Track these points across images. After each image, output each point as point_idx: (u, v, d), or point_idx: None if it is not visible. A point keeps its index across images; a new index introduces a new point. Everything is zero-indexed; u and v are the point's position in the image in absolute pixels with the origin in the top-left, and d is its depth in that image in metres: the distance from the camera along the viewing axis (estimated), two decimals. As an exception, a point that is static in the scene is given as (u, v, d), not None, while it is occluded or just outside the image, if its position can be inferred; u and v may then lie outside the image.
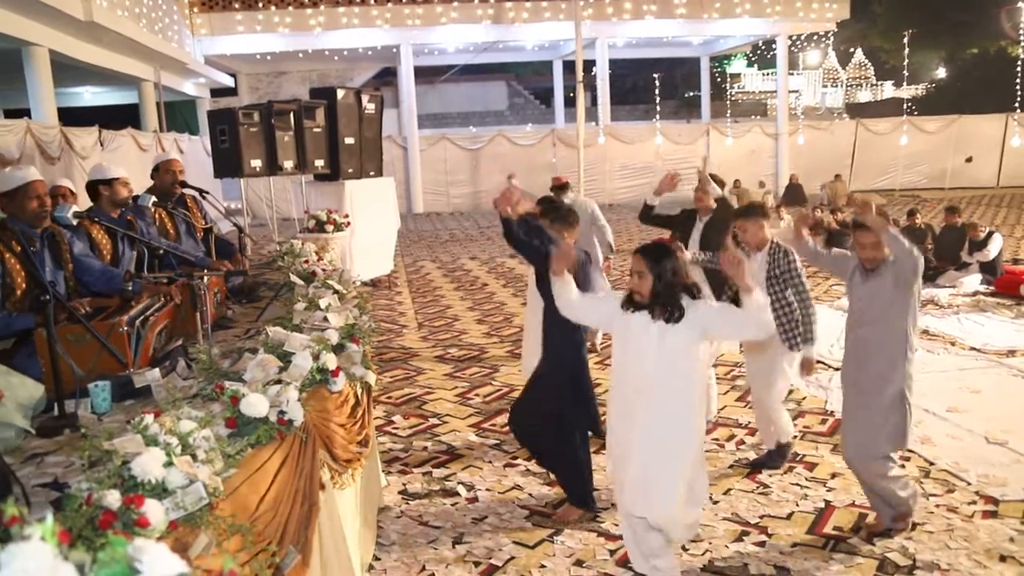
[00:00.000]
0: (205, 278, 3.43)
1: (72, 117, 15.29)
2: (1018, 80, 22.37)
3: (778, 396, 4.64)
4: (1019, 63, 22.88)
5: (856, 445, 3.79)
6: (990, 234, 9.79)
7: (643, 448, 3.18)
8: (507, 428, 5.42)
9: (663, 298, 3.13)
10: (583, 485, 4.15)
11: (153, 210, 4.91)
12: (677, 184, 5.53)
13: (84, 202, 4.79)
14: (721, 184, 5.79)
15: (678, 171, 5.76)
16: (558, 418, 4.09)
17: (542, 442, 4.24)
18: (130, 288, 3.52)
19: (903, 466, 4.08)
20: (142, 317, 3.15)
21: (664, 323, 3.13)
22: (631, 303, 3.24)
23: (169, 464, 1.84)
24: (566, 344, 4.11)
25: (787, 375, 4.60)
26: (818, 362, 6.89)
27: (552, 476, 4.44)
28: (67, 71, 13.98)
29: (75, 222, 3.64)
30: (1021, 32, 22.75)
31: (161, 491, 1.78)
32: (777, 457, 4.65)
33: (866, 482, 3.86)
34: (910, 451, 4.79)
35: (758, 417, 4.86)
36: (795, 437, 4.97)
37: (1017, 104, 22.72)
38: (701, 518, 3.40)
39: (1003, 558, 3.58)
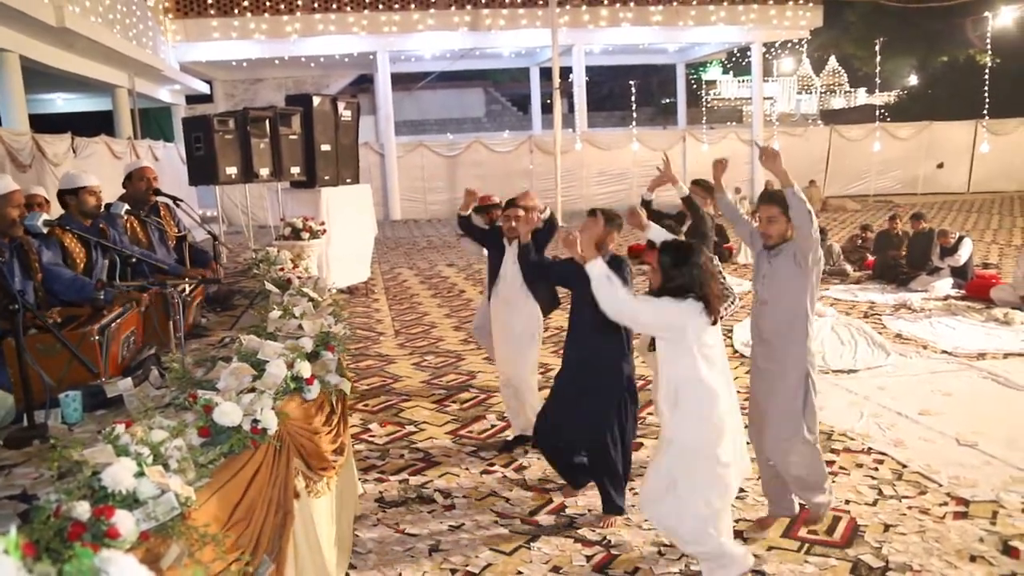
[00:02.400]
0: (186, 287, 3.41)
1: (44, 124, 15.12)
2: (986, 88, 22.76)
3: None
4: (987, 71, 23.28)
5: (773, 439, 3.78)
6: (960, 239, 9.94)
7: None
8: (484, 435, 5.43)
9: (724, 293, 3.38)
10: (623, 491, 4.16)
11: (125, 218, 4.86)
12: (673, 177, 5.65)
13: (58, 210, 4.73)
14: (709, 189, 5.82)
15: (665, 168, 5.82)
16: (612, 430, 4.06)
17: (589, 450, 4.19)
18: (102, 297, 3.48)
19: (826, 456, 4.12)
20: (108, 326, 3.11)
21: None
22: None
23: (140, 474, 1.82)
24: (612, 347, 4.04)
25: None
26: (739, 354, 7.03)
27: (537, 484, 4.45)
28: (39, 77, 13.82)
29: (45, 230, 3.60)
30: (987, 41, 23.15)
31: (132, 502, 1.77)
32: None
33: (784, 473, 3.83)
34: (883, 454, 4.86)
35: None
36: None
37: (986, 111, 23.11)
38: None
39: (973, 558, 3.63)
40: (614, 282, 3.24)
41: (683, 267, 3.20)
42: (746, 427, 3.85)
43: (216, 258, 5.37)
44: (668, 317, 3.19)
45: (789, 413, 3.73)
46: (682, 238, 3.84)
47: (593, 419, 4.07)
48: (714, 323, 3.23)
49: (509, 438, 5.27)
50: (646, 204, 5.78)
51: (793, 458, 3.76)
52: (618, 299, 3.23)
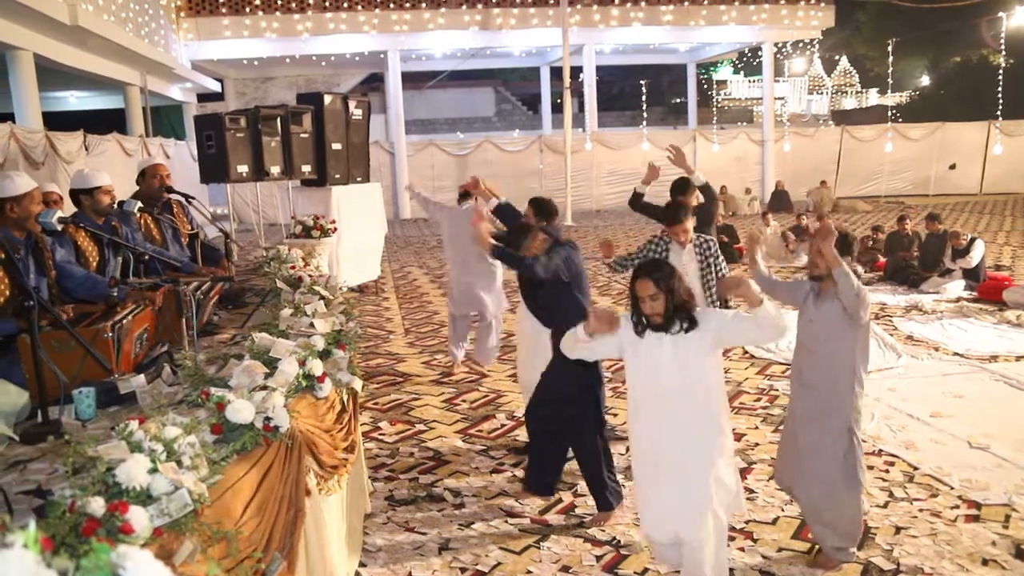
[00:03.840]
0: (204, 285, 3.42)
1: (57, 121, 15.19)
2: (999, 88, 22.61)
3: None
4: (1000, 72, 23.13)
5: (788, 464, 3.70)
6: (972, 241, 9.88)
7: (670, 464, 3.18)
8: (494, 434, 5.44)
9: (679, 312, 3.13)
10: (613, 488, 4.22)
11: (138, 215, 4.88)
12: (659, 174, 5.70)
13: (70, 207, 4.75)
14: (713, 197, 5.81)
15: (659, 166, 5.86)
16: (581, 427, 4.18)
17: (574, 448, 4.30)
18: (115, 294, 3.50)
19: (866, 512, 3.94)
20: (121, 323, 3.13)
21: (680, 334, 3.14)
22: (647, 326, 3.19)
23: (154, 470, 1.83)
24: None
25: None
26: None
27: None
28: (52, 75, 13.89)
29: (59, 227, 3.62)
30: (1001, 42, 23.00)
31: (146, 498, 1.78)
32: None
33: (808, 509, 3.70)
34: (894, 456, 4.84)
35: None
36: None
37: (999, 112, 22.96)
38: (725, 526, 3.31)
39: (985, 562, 3.61)
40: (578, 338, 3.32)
41: (682, 290, 3.19)
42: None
43: (228, 256, 5.38)
44: (603, 350, 3.36)
45: (827, 470, 3.54)
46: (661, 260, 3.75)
47: (572, 427, 4.21)
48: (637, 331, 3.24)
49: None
50: (638, 196, 5.81)
51: (829, 516, 3.60)
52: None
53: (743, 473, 4.62)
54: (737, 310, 3.45)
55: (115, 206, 4.56)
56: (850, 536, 3.65)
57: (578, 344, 3.33)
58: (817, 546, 3.73)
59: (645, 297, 3.12)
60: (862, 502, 3.71)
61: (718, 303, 4.98)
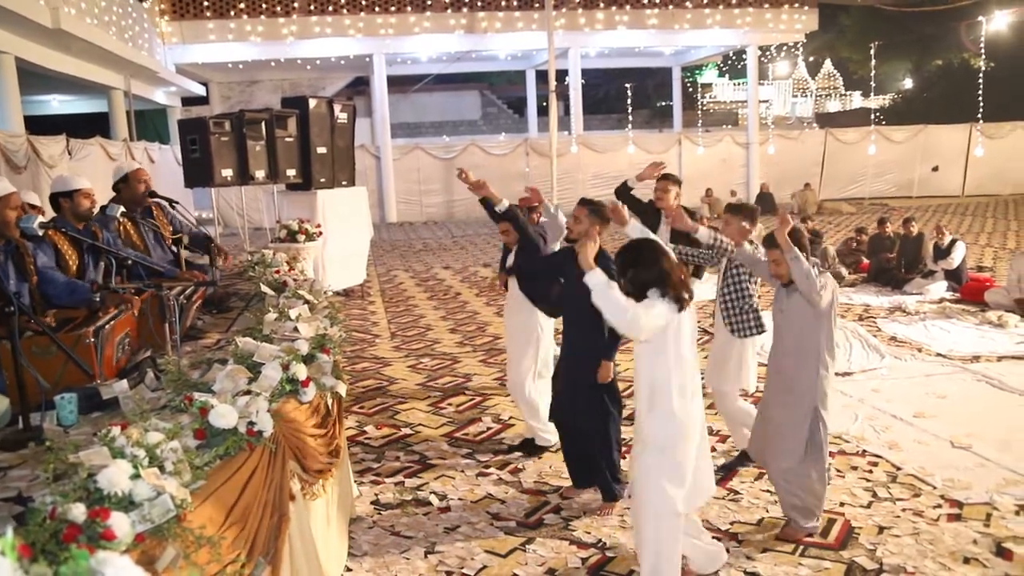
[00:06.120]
0: (187, 289, 3.41)
1: (40, 125, 15.08)
2: (980, 91, 22.83)
3: (735, 387, 4.79)
4: (981, 75, 23.36)
5: (760, 440, 4.01)
6: (953, 242, 9.98)
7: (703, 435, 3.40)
8: (480, 437, 5.44)
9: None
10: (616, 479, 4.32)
11: (121, 221, 4.85)
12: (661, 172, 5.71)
13: (49, 215, 4.72)
14: (677, 183, 5.82)
15: (663, 162, 5.89)
16: (601, 424, 4.26)
17: (591, 443, 4.32)
18: (97, 299, 3.48)
19: (830, 480, 4.13)
20: (103, 328, 3.11)
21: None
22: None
23: (136, 476, 1.83)
24: (596, 341, 4.17)
25: (747, 366, 4.75)
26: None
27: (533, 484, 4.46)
28: (34, 79, 13.80)
29: (40, 232, 3.60)
30: (981, 45, 23.24)
31: (128, 503, 1.77)
32: (746, 458, 4.71)
33: (783, 500, 3.99)
34: (877, 456, 4.88)
35: (727, 420, 4.95)
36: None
37: (980, 115, 23.18)
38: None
39: (967, 560, 3.65)
40: (613, 289, 3.18)
41: (651, 266, 3.21)
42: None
43: (212, 261, 5.34)
44: (657, 320, 3.18)
45: (794, 445, 3.83)
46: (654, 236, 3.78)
47: (583, 418, 4.28)
48: (681, 309, 3.22)
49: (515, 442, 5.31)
50: (627, 189, 5.83)
51: (795, 489, 3.88)
52: (620, 307, 3.15)
53: (728, 475, 4.65)
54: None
55: (95, 211, 4.53)
56: (812, 510, 3.91)
57: (613, 296, 3.17)
58: (787, 518, 3.98)
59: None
60: (826, 479, 3.95)
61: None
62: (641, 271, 3.22)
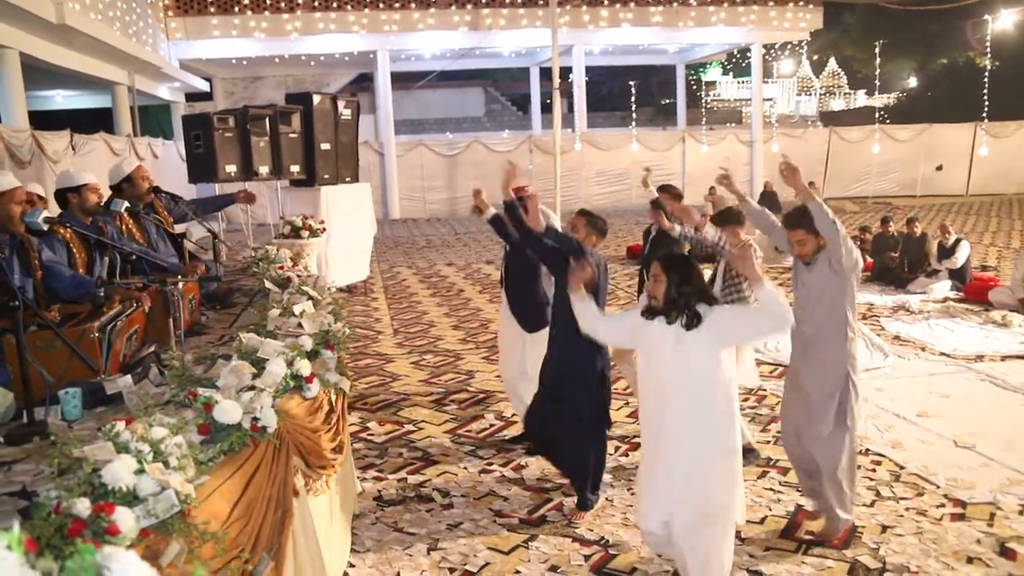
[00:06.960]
0: (180, 284, 3.40)
1: (44, 121, 15.10)
2: (985, 91, 22.77)
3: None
4: (986, 74, 23.28)
5: (814, 439, 3.86)
6: (958, 241, 9.96)
7: (669, 459, 3.19)
8: (483, 434, 5.44)
9: (679, 303, 3.15)
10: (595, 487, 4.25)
11: (124, 216, 4.83)
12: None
13: (54, 208, 4.71)
14: (677, 196, 5.71)
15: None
16: (589, 424, 4.18)
17: (565, 450, 4.25)
18: (102, 294, 3.48)
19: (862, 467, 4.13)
20: (112, 323, 3.11)
21: (681, 329, 3.15)
22: (649, 310, 3.27)
23: (140, 471, 1.82)
24: (582, 344, 4.07)
25: (746, 363, 4.77)
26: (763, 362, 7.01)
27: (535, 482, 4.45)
28: (39, 74, 13.80)
29: (45, 227, 3.60)
30: (987, 44, 23.16)
31: (132, 499, 1.77)
32: (749, 454, 4.71)
33: (811, 472, 3.91)
34: (881, 455, 4.87)
35: None
36: (768, 442, 5.05)
37: (985, 114, 23.12)
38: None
39: (970, 560, 3.64)
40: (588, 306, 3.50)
41: (691, 283, 3.19)
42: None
43: (216, 256, 5.34)
44: (620, 339, 3.39)
45: (829, 412, 3.79)
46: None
47: (570, 430, 4.16)
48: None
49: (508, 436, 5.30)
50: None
51: (840, 455, 3.79)
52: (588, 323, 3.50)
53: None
54: (737, 304, 3.54)
55: (102, 205, 4.53)
56: (847, 493, 3.83)
57: (586, 313, 3.51)
58: (822, 518, 3.91)
59: (652, 277, 3.28)
60: (853, 452, 3.87)
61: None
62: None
